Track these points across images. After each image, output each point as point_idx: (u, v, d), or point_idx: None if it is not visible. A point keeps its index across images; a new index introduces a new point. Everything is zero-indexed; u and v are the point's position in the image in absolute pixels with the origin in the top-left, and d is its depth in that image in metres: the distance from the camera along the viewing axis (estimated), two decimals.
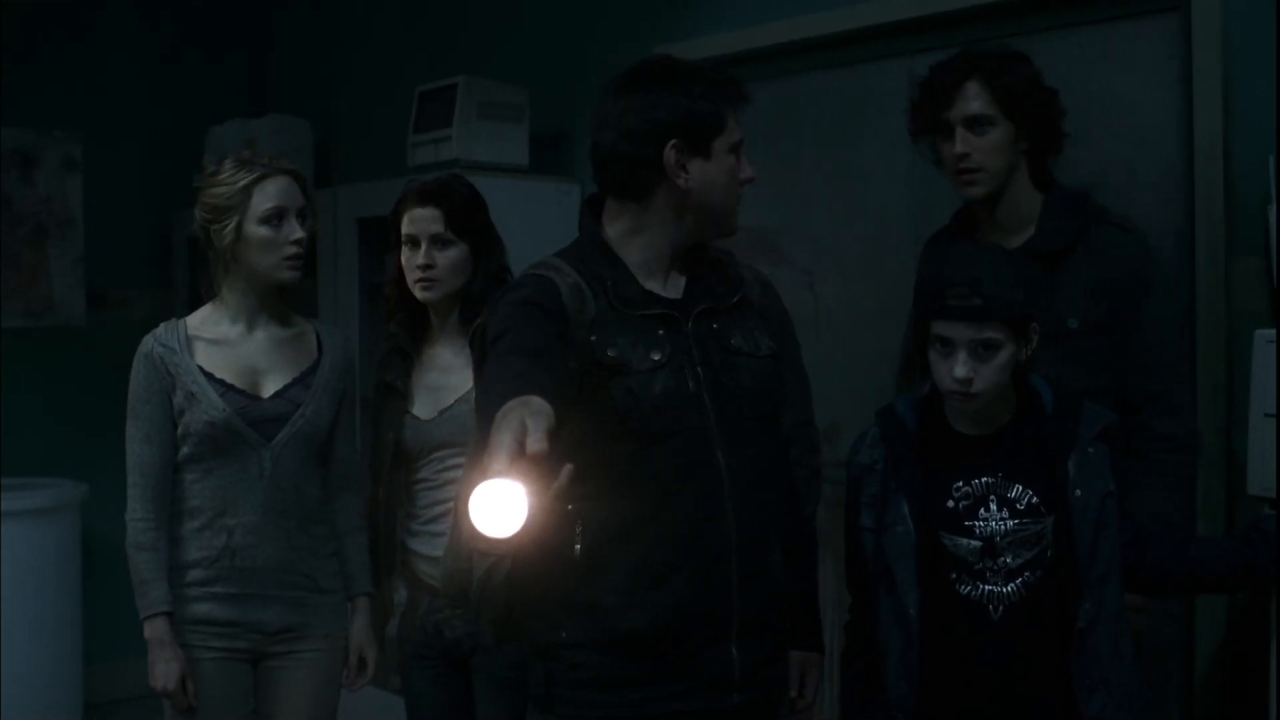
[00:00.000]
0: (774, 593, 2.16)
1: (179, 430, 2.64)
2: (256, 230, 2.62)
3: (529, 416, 1.49)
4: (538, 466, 1.43)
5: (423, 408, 2.79)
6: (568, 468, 1.49)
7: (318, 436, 2.72)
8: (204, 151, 4.81)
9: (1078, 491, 2.06)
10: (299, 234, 2.64)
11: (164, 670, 2.58)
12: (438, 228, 2.73)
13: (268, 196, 2.62)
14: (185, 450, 2.64)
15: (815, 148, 3.58)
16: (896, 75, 3.24)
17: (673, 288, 2.14)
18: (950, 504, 2.12)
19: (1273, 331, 2.47)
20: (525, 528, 1.38)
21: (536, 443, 1.44)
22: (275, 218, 2.62)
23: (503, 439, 1.45)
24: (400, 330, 2.85)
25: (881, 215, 3.43)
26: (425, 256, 2.72)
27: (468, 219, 2.76)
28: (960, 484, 2.12)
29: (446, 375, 2.77)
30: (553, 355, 1.89)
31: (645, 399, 2.00)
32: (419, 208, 2.74)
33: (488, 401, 1.70)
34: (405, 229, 2.76)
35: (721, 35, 3.68)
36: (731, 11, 3.68)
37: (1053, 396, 2.16)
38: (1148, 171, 2.93)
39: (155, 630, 2.59)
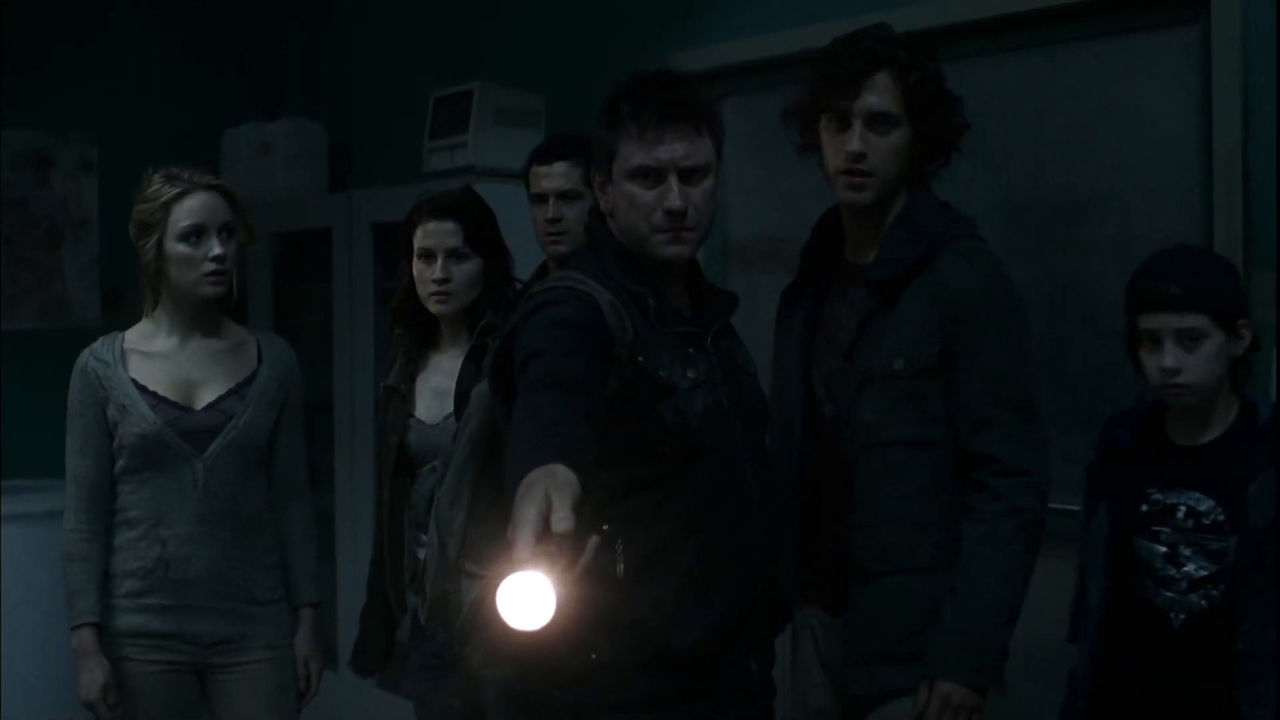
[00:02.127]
0: (786, 602, 2.22)
1: (114, 443, 2.66)
2: (175, 247, 2.62)
3: (554, 491, 1.40)
4: (565, 544, 1.36)
5: (427, 411, 2.80)
6: (593, 541, 1.41)
7: (254, 447, 2.72)
8: (220, 154, 4.83)
9: (1254, 514, 2.07)
10: (218, 251, 2.63)
11: (87, 680, 2.60)
12: (454, 241, 2.74)
13: (186, 213, 2.62)
14: (121, 463, 2.67)
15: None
16: None
17: (683, 305, 2.13)
18: (1145, 508, 2.18)
19: None
20: (555, 615, 1.32)
21: (562, 521, 1.36)
22: (194, 234, 2.62)
23: (526, 516, 1.36)
24: (406, 335, 2.86)
25: None
26: (442, 270, 2.73)
27: (483, 232, 2.77)
28: (1157, 491, 2.17)
29: (451, 380, 2.77)
30: (590, 386, 1.82)
31: (691, 418, 1.99)
32: (435, 221, 2.74)
33: (518, 450, 1.62)
34: (420, 242, 2.76)
35: (737, 42, 3.68)
36: (748, 18, 3.67)
37: (1271, 411, 2.14)
38: (1166, 183, 2.92)
39: (80, 640, 2.62)
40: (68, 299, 4.88)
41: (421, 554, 2.76)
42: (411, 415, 2.80)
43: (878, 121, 2.23)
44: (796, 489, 2.34)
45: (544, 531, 1.36)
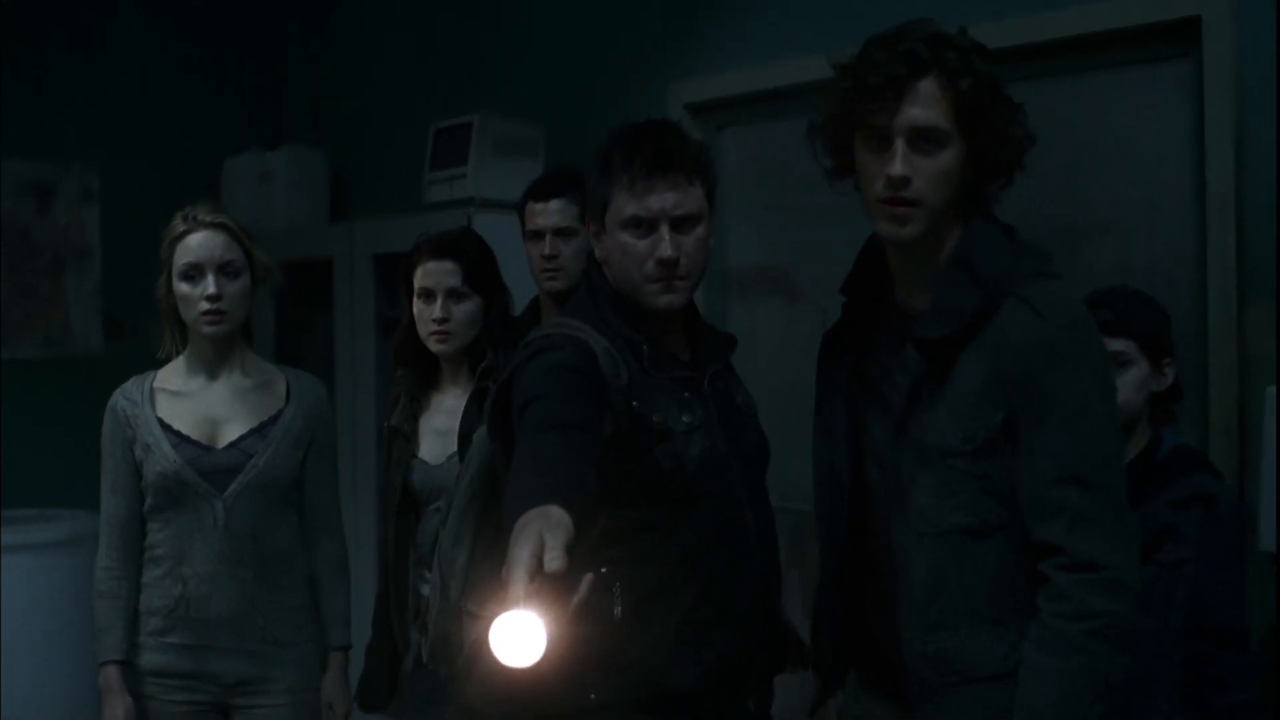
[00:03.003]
0: (783, 643, 2.23)
1: (142, 482, 2.68)
2: (178, 286, 2.66)
3: (547, 531, 1.41)
4: (557, 583, 1.37)
5: (430, 452, 2.81)
6: (587, 579, 1.42)
7: (276, 486, 2.71)
8: (221, 183, 4.85)
9: None
10: (211, 290, 2.63)
11: (109, 717, 2.61)
12: (454, 281, 2.76)
13: (184, 252, 2.64)
14: (149, 501, 2.68)
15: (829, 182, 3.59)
16: None
17: (680, 348, 2.15)
18: None
19: None
20: (548, 653, 1.33)
21: (554, 561, 1.37)
22: (192, 273, 2.64)
23: (520, 556, 1.37)
24: (408, 375, 2.87)
25: None
26: (442, 310, 2.75)
27: (482, 271, 2.79)
28: None
29: (454, 420, 2.78)
30: (588, 428, 1.83)
31: (688, 462, 2.00)
32: (434, 260, 2.76)
33: (517, 489, 1.62)
34: (420, 282, 2.78)
35: (736, 72, 3.70)
36: (746, 49, 3.69)
37: (1171, 452, 2.28)
38: (1161, 215, 2.94)
39: (105, 678, 2.63)
40: (70, 328, 4.90)
41: (426, 590, 2.77)
42: (415, 456, 2.81)
43: (923, 139, 1.84)
44: (843, 559, 2.06)
45: (537, 571, 1.37)
